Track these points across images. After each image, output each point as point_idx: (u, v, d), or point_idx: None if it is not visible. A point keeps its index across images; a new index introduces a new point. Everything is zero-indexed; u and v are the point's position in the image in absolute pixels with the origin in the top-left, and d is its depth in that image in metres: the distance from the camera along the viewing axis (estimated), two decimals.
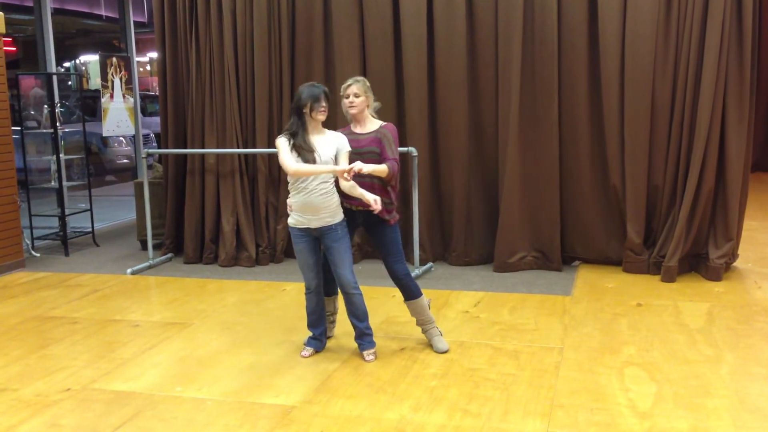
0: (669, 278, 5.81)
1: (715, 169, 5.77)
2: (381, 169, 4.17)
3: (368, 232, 4.50)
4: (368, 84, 4.38)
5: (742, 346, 4.42)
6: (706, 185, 5.76)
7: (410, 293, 4.45)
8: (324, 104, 4.14)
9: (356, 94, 4.29)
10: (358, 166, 4.03)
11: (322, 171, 4.08)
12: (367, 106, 4.35)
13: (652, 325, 4.84)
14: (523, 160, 6.15)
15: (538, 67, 6.09)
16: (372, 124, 4.38)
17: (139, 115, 8.84)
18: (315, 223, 4.20)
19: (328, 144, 4.18)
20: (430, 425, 3.49)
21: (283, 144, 4.13)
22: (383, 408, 3.69)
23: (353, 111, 4.33)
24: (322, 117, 4.16)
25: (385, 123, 4.42)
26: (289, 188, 4.23)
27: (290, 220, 4.28)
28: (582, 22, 6.00)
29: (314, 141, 4.15)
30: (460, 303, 5.42)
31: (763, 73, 11.36)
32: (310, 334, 4.54)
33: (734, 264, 6.08)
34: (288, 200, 4.26)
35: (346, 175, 4.00)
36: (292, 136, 4.14)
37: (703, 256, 5.95)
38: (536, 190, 6.23)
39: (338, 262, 4.26)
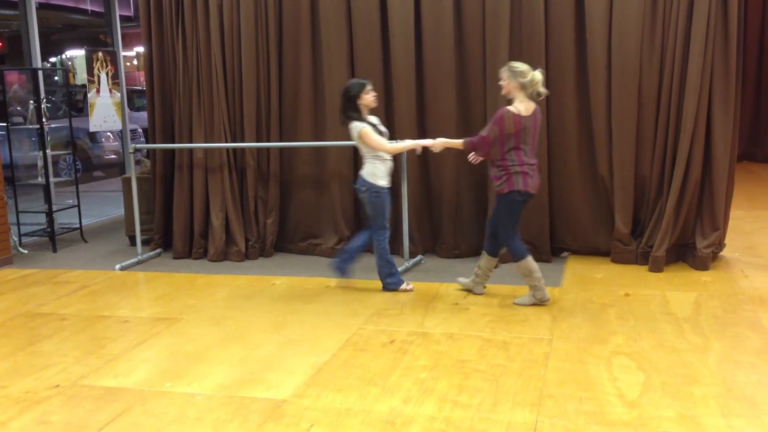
0: (657, 268, 5.85)
1: (702, 159, 5.81)
2: (457, 143, 5.15)
3: None
4: (514, 70, 4.90)
5: (729, 335, 4.46)
6: (693, 175, 5.79)
7: (514, 256, 5.07)
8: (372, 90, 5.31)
9: (502, 78, 4.98)
10: (440, 141, 5.24)
11: (411, 146, 5.40)
12: (513, 88, 4.93)
13: (640, 314, 4.87)
14: None
15: (525, 60, 6.07)
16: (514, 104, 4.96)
17: (126, 110, 8.79)
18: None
19: (378, 122, 5.39)
20: (421, 417, 3.50)
21: (369, 128, 5.21)
22: (373, 400, 3.70)
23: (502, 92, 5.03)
24: (372, 102, 5.31)
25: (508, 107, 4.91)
26: (369, 159, 5.26)
27: (383, 183, 5.29)
28: (569, 15, 6.01)
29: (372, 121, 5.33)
30: (450, 295, 5.44)
31: (748, 63, 11.46)
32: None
33: (721, 253, 6.13)
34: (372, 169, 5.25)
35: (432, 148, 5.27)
36: (363, 120, 5.24)
37: (691, 245, 5.99)
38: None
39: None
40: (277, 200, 6.81)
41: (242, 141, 6.69)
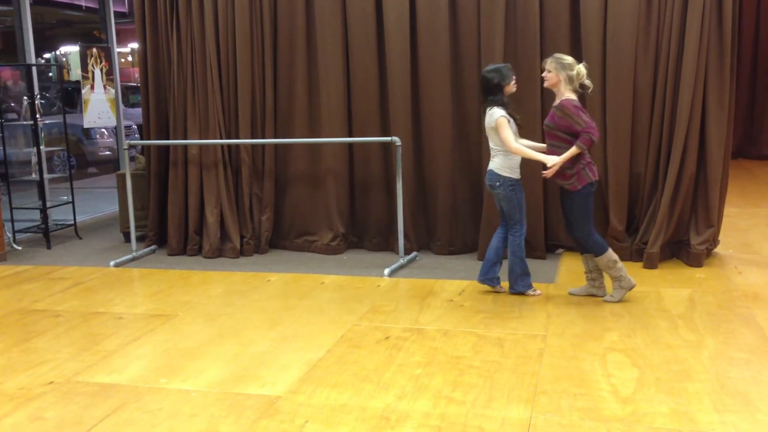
0: (651, 265, 5.86)
1: (696, 156, 5.82)
2: (572, 152, 4.78)
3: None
4: (562, 62, 4.82)
5: (722, 331, 4.47)
6: (688, 172, 5.80)
7: (594, 252, 4.97)
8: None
9: (548, 69, 4.85)
10: (556, 160, 4.83)
11: (533, 157, 4.97)
12: (559, 81, 4.84)
13: (634, 311, 4.88)
14: None
15: (520, 56, 6.10)
16: (559, 97, 4.86)
17: (121, 106, 8.76)
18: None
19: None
20: (415, 413, 3.51)
21: (506, 120, 4.93)
22: (368, 397, 3.70)
23: (545, 84, 4.94)
24: (514, 89, 5.09)
25: (564, 98, 4.82)
26: (501, 151, 5.01)
27: (516, 175, 5.07)
28: (564, 11, 6.02)
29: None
30: (445, 292, 5.44)
31: (743, 60, 11.49)
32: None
33: (715, 250, 6.15)
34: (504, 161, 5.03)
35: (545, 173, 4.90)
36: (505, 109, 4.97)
37: (685, 242, 6.00)
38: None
39: None
40: (272, 197, 6.80)
41: (237, 137, 6.68)
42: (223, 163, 6.68)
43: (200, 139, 6.68)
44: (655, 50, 5.87)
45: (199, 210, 6.81)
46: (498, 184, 5.08)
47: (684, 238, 6.02)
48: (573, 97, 4.82)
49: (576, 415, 3.44)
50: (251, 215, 6.80)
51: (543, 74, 4.92)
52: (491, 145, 5.12)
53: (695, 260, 5.87)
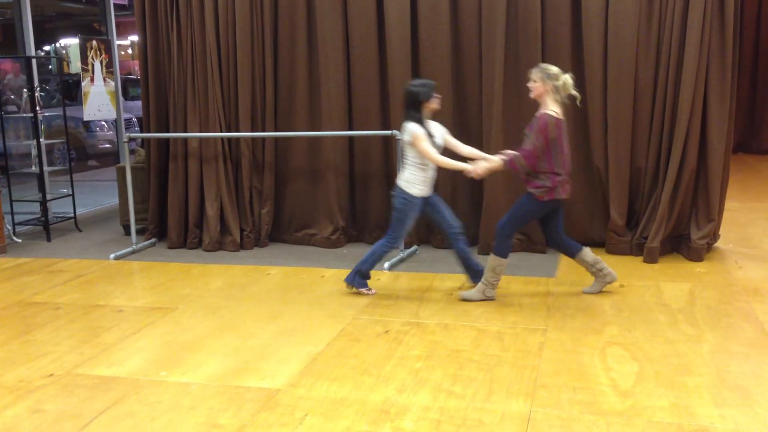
0: (651, 259, 5.86)
1: (697, 150, 5.81)
2: (497, 164, 4.83)
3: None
4: (548, 72, 4.72)
5: (722, 326, 4.47)
6: (688, 167, 5.80)
7: (495, 251, 4.95)
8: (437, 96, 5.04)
9: (533, 80, 4.74)
10: (481, 166, 4.88)
11: (458, 168, 4.98)
12: (545, 92, 4.71)
13: (634, 305, 4.88)
14: (507, 142, 6.14)
15: (522, 50, 6.09)
16: (543, 108, 4.74)
17: (121, 99, 8.75)
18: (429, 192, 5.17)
19: (437, 130, 5.10)
20: (415, 406, 3.51)
21: (422, 133, 4.92)
22: (368, 390, 3.70)
23: (531, 95, 4.82)
24: (436, 107, 5.07)
25: (546, 111, 4.69)
26: (409, 165, 5.02)
27: (415, 191, 5.03)
28: (565, 5, 6.00)
29: (431, 128, 5.05)
30: (445, 285, 5.44)
31: (744, 54, 11.47)
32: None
33: (715, 245, 6.14)
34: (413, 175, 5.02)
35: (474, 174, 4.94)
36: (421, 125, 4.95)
37: (685, 237, 6.00)
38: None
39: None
40: (272, 190, 6.79)
41: (237, 130, 6.66)
42: (223, 156, 6.67)
43: (200, 132, 6.67)
44: (657, 44, 5.86)
45: (199, 203, 6.81)
46: (395, 194, 5.09)
47: (684, 233, 6.02)
48: (556, 110, 4.68)
49: (576, 408, 3.45)
50: (251, 208, 6.80)
51: (528, 84, 4.78)
52: (405, 156, 5.08)
53: (695, 255, 5.86)
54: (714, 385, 3.65)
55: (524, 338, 4.34)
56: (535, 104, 6.06)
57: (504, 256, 4.94)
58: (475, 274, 5.17)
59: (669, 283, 5.36)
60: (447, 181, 6.39)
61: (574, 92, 4.75)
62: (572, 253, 5.07)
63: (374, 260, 5.20)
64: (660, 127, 5.91)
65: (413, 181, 5.04)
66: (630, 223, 6.17)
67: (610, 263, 5.85)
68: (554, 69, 4.73)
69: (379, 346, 4.28)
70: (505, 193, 6.22)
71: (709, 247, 6.00)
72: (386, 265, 5.89)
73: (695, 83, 5.68)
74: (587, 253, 5.06)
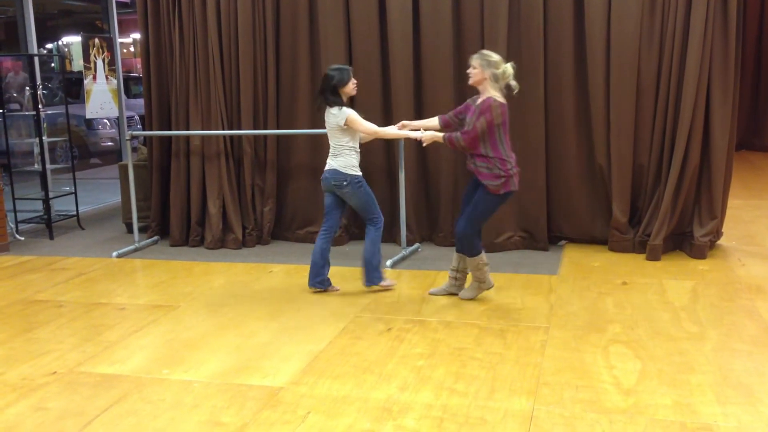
0: (654, 257, 5.85)
1: (700, 148, 5.80)
2: (438, 137, 4.84)
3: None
4: (488, 59, 4.68)
5: (725, 323, 4.47)
6: (691, 164, 5.79)
7: (467, 253, 4.86)
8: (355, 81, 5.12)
9: (473, 66, 4.71)
10: (428, 134, 4.90)
11: (399, 135, 5.23)
12: (484, 79, 4.68)
13: (637, 303, 4.87)
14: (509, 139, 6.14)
15: (524, 47, 6.07)
16: (485, 94, 4.71)
17: (123, 96, 8.75)
18: None
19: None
20: (417, 404, 3.51)
21: (355, 113, 5.01)
22: (370, 388, 3.70)
23: (470, 81, 4.79)
24: (354, 92, 5.15)
25: (488, 96, 4.66)
26: (346, 150, 5.05)
27: (359, 172, 5.09)
28: (568, 1, 5.98)
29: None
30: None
31: (747, 52, 11.44)
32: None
33: (718, 242, 6.13)
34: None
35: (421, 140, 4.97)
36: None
37: (688, 234, 5.99)
38: (522, 170, 6.20)
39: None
40: (274, 188, 6.79)
41: (239, 128, 6.66)
42: (225, 154, 6.67)
43: (202, 130, 6.67)
44: (660, 40, 5.84)
45: (201, 201, 6.81)
46: (345, 183, 5.04)
47: (687, 230, 6.00)
48: (497, 95, 4.63)
49: (578, 406, 3.44)
50: (253, 206, 6.80)
51: (468, 71, 4.73)
52: (333, 143, 5.09)
53: (698, 252, 5.85)
54: (717, 383, 3.65)
55: (527, 336, 4.34)
56: (536, 98, 6.09)
57: (478, 253, 4.84)
58: (373, 270, 5.20)
59: (672, 280, 5.35)
60: (449, 175, 6.39)
61: (512, 82, 4.68)
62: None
63: (376, 250, 5.18)
64: (663, 124, 5.90)
65: (353, 164, 5.07)
66: (633, 221, 6.16)
67: (612, 260, 5.89)
68: (495, 57, 4.68)
69: (381, 344, 4.28)
70: None
71: (712, 245, 5.99)
72: (388, 262, 5.88)
73: (698, 80, 5.66)
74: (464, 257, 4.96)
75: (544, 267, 5.78)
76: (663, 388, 3.60)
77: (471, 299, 4.99)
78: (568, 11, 6.00)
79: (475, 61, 4.69)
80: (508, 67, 4.67)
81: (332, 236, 5.24)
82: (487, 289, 5.01)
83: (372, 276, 5.21)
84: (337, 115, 5.01)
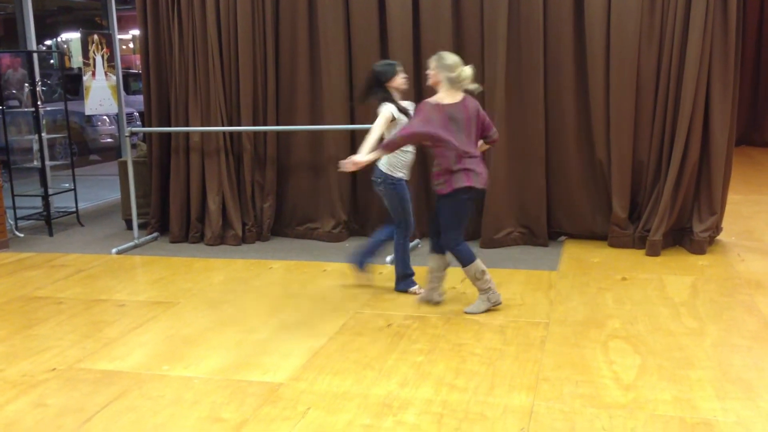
0: (654, 252, 5.85)
1: (700, 143, 5.80)
2: (372, 158, 4.55)
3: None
4: (444, 62, 4.54)
5: (725, 319, 4.47)
6: (691, 160, 5.78)
7: (460, 262, 4.64)
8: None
9: (431, 68, 4.60)
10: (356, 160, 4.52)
11: (370, 160, 4.59)
12: (439, 82, 4.56)
13: (636, 298, 4.88)
14: (509, 136, 6.15)
15: (524, 44, 6.07)
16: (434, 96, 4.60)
17: (122, 93, 8.74)
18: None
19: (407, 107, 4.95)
20: (417, 400, 3.51)
21: (387, 112, 4.77)
22: (370, 384, 3.71)
23: (428, 82, 4.69)
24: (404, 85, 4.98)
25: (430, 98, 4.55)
26: (402, 149, 4.77)
27: (399, 174, 4.87)
28: None
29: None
30: (447, 279, 5.42)
31: (747, 47, 11.43)
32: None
33: (718, 237, 6.13)
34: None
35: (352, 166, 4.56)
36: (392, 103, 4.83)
37: (688, 229, 5.99)
38: (522, 166, 6.23)
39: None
40: (274, 184, 6.79)
41: (239, 125, 6.66)
42: (224, 150, 6.66)
43: (202, 126, 6.66)
44: (660, 36, 5.83)
45: (200, 197, 6.80)
46: (380, 180, 4.88)
47: (687, 226, 6.01)
48: (448, 96, 4.46)
49: (578, 402, 3.45)
50: (253, 203, 6.79)
51: (426, 71, 4.63)
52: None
53: (698, 247, 5.86)
54: (716, 379, 3.65)
55: (526, 332, 4.34)
56: (536, 95, 6.09)
57: (472, 260, 4.60)
58: (366, 255, 5.15)
59: (671, 276, 5.35)
60: None
61: (471, 87, 4.52)
62: (435, 250, 4.79)
63: (401, 260, 5.07)
64: (662, 120, 5.90)
65: (392, 163, 4.85)
66: (632, 216, 6.16)
67: (612, 256, 5.89)
68: (451, 60, 4.50)
69: (381, 340, 4.28)
70: (505, 187, 6.22)
71: (711, 240, 5.99)
72: (388, 258, 5.88)
73: (698, 76, 5.66)
74: (439, 260, 4.79)
75: (544, 263, 5.78)
76: (662, 384, 3.61)
77: (479, 313, 4.65)
78: (568, 8, 5.99)
79: (432, 62, 4.56)
80: (466, 70, 4.48)
81: (408, 234, 5.07)
82: (495, 303, 4.67)
83: (398, 284, 5.13)
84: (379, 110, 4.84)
